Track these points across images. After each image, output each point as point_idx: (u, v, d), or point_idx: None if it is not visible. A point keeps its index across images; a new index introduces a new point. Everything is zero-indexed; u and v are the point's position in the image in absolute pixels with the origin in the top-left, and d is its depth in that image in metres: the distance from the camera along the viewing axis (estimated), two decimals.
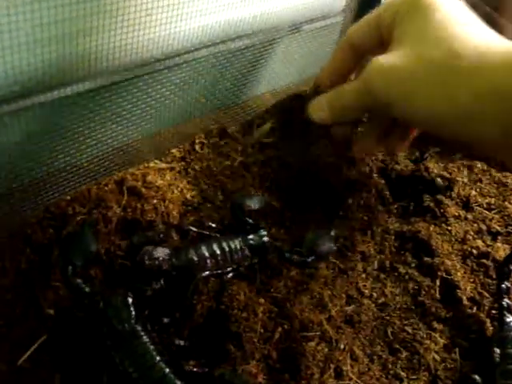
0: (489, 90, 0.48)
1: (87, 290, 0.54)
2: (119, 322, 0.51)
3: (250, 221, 0.64)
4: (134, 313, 0.52)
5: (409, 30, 0.55)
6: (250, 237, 0.62)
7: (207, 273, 0.58)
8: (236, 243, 0.61)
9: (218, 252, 0.59)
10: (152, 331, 0.53)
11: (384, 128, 0.66)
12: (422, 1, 0.55)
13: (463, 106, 0.49)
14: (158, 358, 0.50)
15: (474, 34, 0.51)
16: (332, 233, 0.65)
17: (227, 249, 0.60)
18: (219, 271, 0.59)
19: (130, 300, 0.53)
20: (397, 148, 0.69)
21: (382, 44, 0.59)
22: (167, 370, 0.50)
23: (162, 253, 0.57)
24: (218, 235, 0.63)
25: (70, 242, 0.58)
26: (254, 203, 0.66)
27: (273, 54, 0.84)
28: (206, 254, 0.59)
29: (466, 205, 0.75)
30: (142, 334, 0.52)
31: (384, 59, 0.55)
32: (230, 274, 0.60)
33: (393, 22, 0.57)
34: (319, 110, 0.64)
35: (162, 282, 0.56)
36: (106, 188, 0.65)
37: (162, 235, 0.59)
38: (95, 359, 0.51)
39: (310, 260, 0.62)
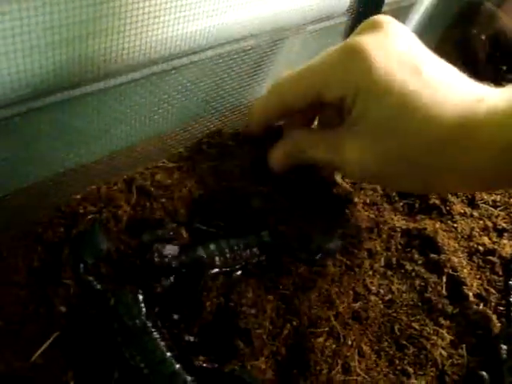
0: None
1: (98, 287, 0.55)
2: (130, 319, 0.52)
3: (258, 218, 0.65)
4: (144, 309, 0.53)
5: (364, 117, 0.56)
6: (258, 234, 0.63)
7: (216, 270, 0.59)
8: (244, 241, 0.62)
9: (227, 249, 0.60)
10: (162, 327, 0.53)
11: None
12: (373, 84, 0.54)
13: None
14: (168, 354, 0.51)
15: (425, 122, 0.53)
16: (339, 230, 0.66)
17: (235, 246, 0.61)
18: (228, 269, 0.60)
19: (141, 297, 0.54)
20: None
21: (317, 105, 0.61)
22: (177, 365, 0.50)
23: (171, 250, 0.57)
24: (226, 233, 0.63)
25: (80, 241, 0.59)
26: (261, 201, 0.66)
27: (277, 55, 0.84)
28: (215, 252, 0.59)
29: (472, 202, 0.76)
30: (153, 330, 0.52)
31: (355, 154, 0.58)
32: (239, 272, 0.60)
33: (339, 102, 0.57)
34: (278, 164, 0.68)
35: (172, 278, 0.57)
36: (115, 187, 0.65)
37: (171, 233, 0.60)
38: (106, 355, 0.52)
39: (317, 257, 0.62)
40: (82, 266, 0.55)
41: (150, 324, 0.53)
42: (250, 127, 0.71)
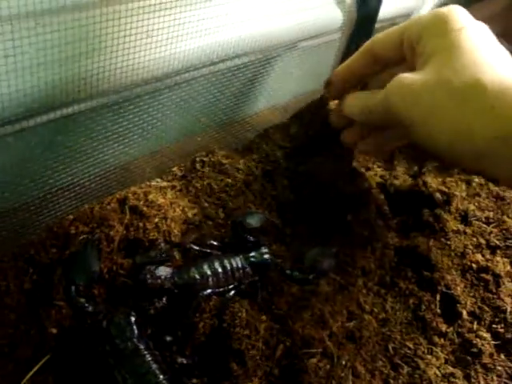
0: (508, 133, 0.46)
1: (90, 309, 0.54)
2: (122, 341, 0.52)
3: (251, 238, 0.65)
4: (136, 331, 0.53)
5: (434, 53, 0.54)
6: (251, 254, 0.63)
7: (209, 291, 0.59)
8: (237, 261, 0.61)
9: (220, 270, 0.60)
10: (155, 350, 0.53)
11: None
12: (450, 24, 0.54)
13: (481, 145, 0.48)
14: (160, 377, 0.50)
15: (500, 66, 0.50)
16: (332, 249, 0.66)
17: (228, 267, 0.61)
18: (221, 289, 0.59)
19: (133, 319, 0.53)
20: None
21: (403, 60, 0.59)
22: None
23: (163, 272, 0.57)
24: (220, 253, 0.63)
25: (72, 262, 0.58)
26: (254, 221, 0.66)
27: (271, 72, 0.85)
28: (208, 272, 0.59)
29: (465, 219, 0.76)
30: (145, 352, 0.52)
31: (406, 78, 0.54)
32: (232, 292, 0.60)
33: (417, 41, 0.56)
34: (352, 105, 0.65)
35: (165, 300, 0.56)
36: (108, 207, 0.65)
37: (164, 254, 0.59)
38: (98, 378, 0.51)
39: (310, 277, 0.62)
40: (73, 288, 0.55)
41: (142, 346, 0.52)
42: (335, 72, 0.70)
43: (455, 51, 0.52)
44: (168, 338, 0.55)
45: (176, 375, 0.52)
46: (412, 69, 0.56)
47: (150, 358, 0.51)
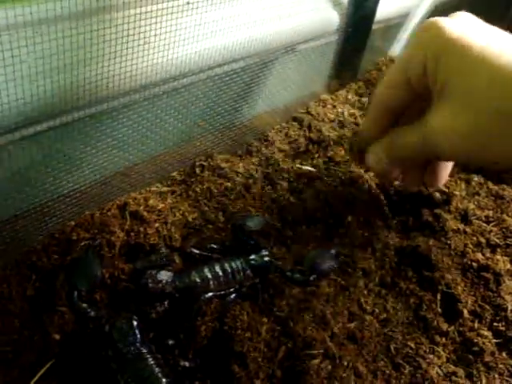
0: None
1: (92, 314, 0.54)
2: (124, 345, 0.52)
3: (251, 241, 0.65)
4: (138, 335, 0.53)
5: (451, 80, 0.54)
6: (252, 257, 0.63)
7: (210, 294, 0.59)
8: (238, 264, 0.62)
9: (220, 273, 0.60)
10: (157, 353, 0.53)
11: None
12: (451, 45, 0.54)
13: None
14: (163, 381, 0.51)
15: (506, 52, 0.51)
16: (333, 250, 0.66)
17: (229, 270, 0.61)
18: (222, 292, 0.60)
19: (135, 323, 0.54)
20: (439, 181, 0.71)
21: (417, 96, 0.60)
22: None
23: (164, 276, 0.58)
24: (220, 256, 0.64)
25: (74, 268, 0.59)
26: (254, 224, 0.67)
27: (269, 76, 0.85)
28: (209, 276, 0.60)
29: (465, 218, 0.76)
30: (148, 356, 0.52)
31: (442, 120, 0.55)
32: (233, 295, 0.60)
33: (424, 73, 0.57)
34: (378, 159, 0.66)
35: (166, 304, 0.57)
36: (108, 213, 0.66)
37: (164, 259, 0.60)
38: (101, 382, 0.52)
39: (311, 278, 0.62)
40: (75, 293, 0.55)
41: (144, 350, 0.52)
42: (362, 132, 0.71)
43: (469, 71, 0.53)
44: (170, 342, 0.56)
45: (178, 378, 0.53)
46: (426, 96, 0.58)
47: (152, 362, 0.52)
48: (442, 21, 0.56)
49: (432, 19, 0.57)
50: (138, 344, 0.53)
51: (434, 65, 0.55)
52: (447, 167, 0.70)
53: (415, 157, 0.62)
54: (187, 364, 0.55)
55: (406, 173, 0.70)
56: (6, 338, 0.55)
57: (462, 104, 0.53)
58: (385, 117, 0.65)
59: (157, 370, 0.51)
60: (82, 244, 0.61)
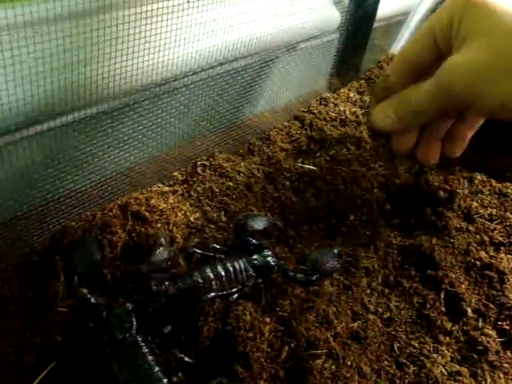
0: None
1: (93, 300, 0.55)
2: (120, 332, 0.53)
3: (254, 241, 0.65)
4: (135, 323, 0.54)
5: (473, 28, 0.56)
6: (254, 257, 0.63)
7: (212, 294, 0.59)
8: (240, 263, 0.62)
9: (223, 273, 0.60)
10: (152, 342, 0.54)
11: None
12: (476, 1, 0.56)
13: None
14: (156, 369, 0.51)
15: None
16: (335, 250, 0.66)
17: (231, 269, 0.61)
18: (224, 292, 0.59)
19: (133, 311, 0.54)
20: (457, 149, 0.70)
21: (440, 58, 0.60)
22: (165, 380, 0.51)
23: (167, 278, 0.57)
24: (223, 256, 0.63)
25: (73, 251, 0.59)
26: (257, 223, 0.66)
27: (270, 74, 0.85)
28: (211, 276, 0.59)
29: (468, 216, 0.75)
30: (142, 344, 0.53)
31: (460, 57, 0.56)
32: (236, 295, 0.60)
33: (449, 28, 0.58)
34: (385, 116, 0.64)
35: (164, 299, 0.57)
36: (110, 213, 0.65)
37: (168, 262, 0.59)
38: (96, 369, 0.52)
39: (314, 278, 0.62)
40: (75, 278, 0.55)
41: (140, 338, 0.53)
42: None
43: (494, 19, 0.55)
44: (166, 330, 0.55)
45: (172, 368, 0.53)
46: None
47: (146, 350, 0.52)
48: None
49: None
50: (134, 331, 0.53)
51: (458, 21, 0.57)
52: (464, 137, 0.69)
53: (425, 108, 0.61)
54: (186, 358, 0.55)
55: (421, 141, 0.68)
56: (8, 340, 0.55)
57: (483, 44, 0.55)
58: (408, 70, 0.64)
59: (150, 358, 0.52)
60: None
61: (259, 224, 0.67)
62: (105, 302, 0.55)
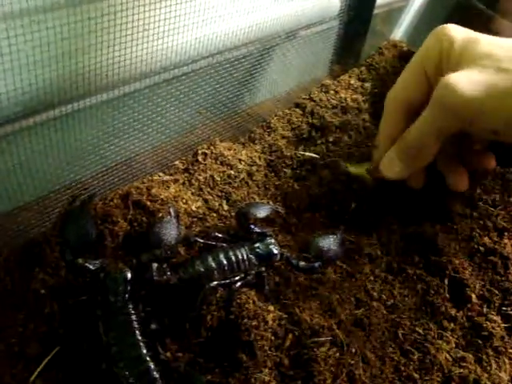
0: None
1: (92, 267, 0.55)
2: (113, 295, 0.53)
3: (257, 229, 0.64)
4: (129, 289, 0.54)
5: (467, 56, 0.57)
6: (257, 245, 0.63)
7: (215, 283, 0.58)
8: (242, 252, 0.61)
9: (225, 262, 0.60)
10: (142, 312, 0.54)
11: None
12: (463, 33, 0.59)
13: None
14: (139, 338, 0.52)
15: None
16: (338, 237, 0.66)
17: (234, 258, 0.60)
18: (227, 281, 0.59)
19: (129, 276, 0.55)
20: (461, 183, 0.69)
21: (431, 90, 0.60)
22: (144, 351, 0.51)
23: (169, 268, 0.57)
24: (225, 245, 0.63)
25: (67, 223, 0.59)
26: (259, 211, 0.66)
27: (271, 62, 0.84)
28: (213, 265, 0.59)
29: (471, 202, 0.75)
30: (132, 311, 0.53)
31: (456, 76, 0.55)
32: (238, 283, 0.60)
33: (440, 61, 0.60)
34: (392, 166, 0.65)
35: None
36: (111, 203, 0.65)
37: (169, 252, 0.59)
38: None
39: (317, 265, 0.62)
40: (68, 251, 0.56)
41: (130, 305, 0.54)
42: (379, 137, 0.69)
43: (485, 44, 0.57)
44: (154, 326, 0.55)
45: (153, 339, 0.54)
46: None
47: (134, 318, 0.53)
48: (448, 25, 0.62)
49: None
50: (126, 297, 0.54)
51: (448, 51, 0.59)
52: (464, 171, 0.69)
53: (426, 137, 0.60)
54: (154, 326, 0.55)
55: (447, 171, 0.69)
56: (12, 331, 0.54)
57: (479, 64, 0.56)
58: (402, 111, 0.65)
59: (136, 326, 0.53)
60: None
61: (261, 212, 0.66)
62: (104, 264, 0.56)
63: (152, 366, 0.50)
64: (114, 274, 0.55)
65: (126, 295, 0.54)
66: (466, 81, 0.55)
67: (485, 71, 0.55)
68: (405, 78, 0.65)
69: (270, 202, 0.71)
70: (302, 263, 0.62)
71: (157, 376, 0.50)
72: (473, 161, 0.69)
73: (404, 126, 0.64)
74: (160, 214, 0.64)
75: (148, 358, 0.51)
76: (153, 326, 0.54)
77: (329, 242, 0.65)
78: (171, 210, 0.63)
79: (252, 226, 0.64)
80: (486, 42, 0.57)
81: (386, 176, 0.66)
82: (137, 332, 0.52)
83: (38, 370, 0.52)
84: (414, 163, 0.64)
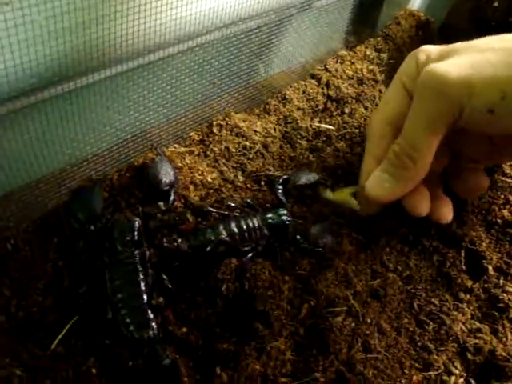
0: None
1: (103, 219, 0.58)
2: (121, 244, 0.55)
3: (281, 196, 0.66)
4: (137, 238, 0.56)
5: (444, 58, 0.56)
6: (269, 215, 0.63)
7: (225, 250, 0.59)
8: (254, 221, 0.61)
9: (236, 231, 0.60)
10: (147, 262, 0.56)
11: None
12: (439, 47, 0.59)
13: None
14: (142, 286, 0.54)
15: None
16: (333, 225, 0.65)
17: (245, 227, 0.61)
18: (238, 248, 0.60)
19: (137, 225, 0.57)
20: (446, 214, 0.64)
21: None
22: (145, 298, 0.53)
23: (178, 235, 0.58)
24: (237, 214, 0.63)
25: (78, 197, 0.61)
26: (299, 178, 0.67)
27: (285, 33, 0.83)
28: (224, 234, 0.59)
29: (489, 174, 0.74)
30: (137, 260, 0.55)
31: (438, 63, 0.54)
32: (250, 254, 0.60)
33: (417, 72, 0.59)
34: (380, 182, 0.59)
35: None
36: (127, 174, 0.65)
37: (177, 218, 0.60)
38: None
39: (317, 250, 0.62)
40: (73, 220, 0.58)
41: (137, 255, 0.55)
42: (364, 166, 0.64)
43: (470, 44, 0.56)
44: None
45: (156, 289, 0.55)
46: None
47: (140, 268, 0.55)
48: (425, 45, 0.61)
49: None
50: (133, 246, 0.55)
51: (425, 62, 0.58)
52: (449, 202, 0.64)
53: (418, 134, 0.55)
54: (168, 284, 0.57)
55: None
56: (32, 300, 0.56)
57: (459, 54, 0.55)
58: (387, 126, 0.62)
59: (141, 276, 0.54)
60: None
61: (303, 179, 0.67)
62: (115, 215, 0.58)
63: (151, 316, 0.52)
64: (123, 223, 0.56)
65: (134, 244, 0.55)
66: (449, 64, 0.53)
67: (467, 55, 0.54)
68: (385, 95, 0.65)
69: (314, 173, 0.70)
70: (304, 245, 0.62)
71: (155, 326, 0.52)
72: (464, 179, 0.66)
73: (388, 144, 0.59)
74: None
75: (147, 310, 0.52)
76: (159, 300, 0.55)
77: (324, 230, 0.64)
78: (159, 150, 0.65)
79: (279, 194, 0.66)
80: (463, 45, 0.56)
81: (375, 197, 0.59)
82: (141, 282, 0.54)
83: (59, 337, 0.53)
84: (405, 175, 0.57)
